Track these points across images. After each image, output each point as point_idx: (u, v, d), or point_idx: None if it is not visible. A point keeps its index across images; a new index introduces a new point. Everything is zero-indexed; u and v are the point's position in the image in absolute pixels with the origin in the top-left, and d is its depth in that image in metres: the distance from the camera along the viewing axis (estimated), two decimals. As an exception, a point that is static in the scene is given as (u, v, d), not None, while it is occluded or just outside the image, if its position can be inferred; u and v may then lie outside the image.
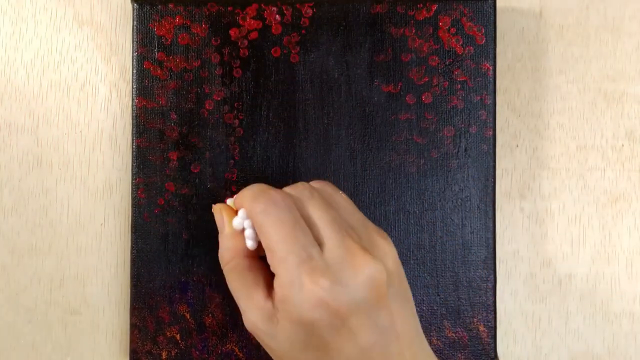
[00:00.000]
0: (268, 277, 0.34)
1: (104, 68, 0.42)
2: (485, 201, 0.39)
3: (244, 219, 0.34)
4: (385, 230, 0.39)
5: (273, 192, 0.33)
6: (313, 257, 0.31)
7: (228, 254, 0.34)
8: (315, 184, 0.36)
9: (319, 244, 0.32)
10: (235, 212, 0.34)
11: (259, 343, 0.38)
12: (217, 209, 0.36)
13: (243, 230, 0.34)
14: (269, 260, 0.32)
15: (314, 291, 0.30)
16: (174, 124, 0.39)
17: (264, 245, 0.32)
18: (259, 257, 0.34)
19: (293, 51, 0.39)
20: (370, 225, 0.34)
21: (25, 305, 0.41)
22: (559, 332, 0.41)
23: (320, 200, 0.34)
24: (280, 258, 0.32)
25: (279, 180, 0.39)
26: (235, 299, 0.34)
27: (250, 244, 0.34)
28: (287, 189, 0.34)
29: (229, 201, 0.36)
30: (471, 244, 0.39)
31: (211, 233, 0.39)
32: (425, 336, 0.39)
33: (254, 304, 0.33)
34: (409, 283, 0.39)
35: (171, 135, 0.39)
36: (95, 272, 0.41)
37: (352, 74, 0.39)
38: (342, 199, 0.35)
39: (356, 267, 0.31)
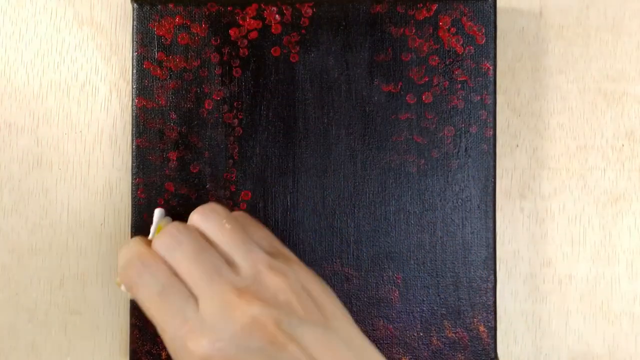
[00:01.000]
0: None
1: (104, 68, 0.42)
2: (485, 201, 0.39)
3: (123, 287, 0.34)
4: (385, 230, 0.39)
5: (134, 262, 0.32)
6: (189, 319, 0.31)
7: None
8: (198, 213, 0.34)
9: (194, 297, 0.32)
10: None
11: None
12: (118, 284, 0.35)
13: None
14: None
15: (196, 354, 0.30)
16: (174, 124, 0.39)
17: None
18: None
19: (293, 51, 0.39)
20: (258, 254, 0.33)
21: (25, 305, 0.41)
22: (559, 332, 0.41)
23: (187, 250, 0.32)
24: (159, 328, 0.32)
25: (278, 180, 0.39)
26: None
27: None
28: (156, 238, 0.33)
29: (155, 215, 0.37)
30: (471, 244, 0.39)
31: (211, 233, 0.39)
32: (425, 336, 0.39)
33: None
34: (409, 283, 0.39)
35: (171, 135, 0.39)
36: (95, 272, 0.41)
37: (352, 74, 0.39)
38: (225, 232, 0.33)
39: (234, 315, 0.30)
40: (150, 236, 0.36)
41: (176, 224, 0.34)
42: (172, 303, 0.31)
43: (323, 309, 0.32)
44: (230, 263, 0.33)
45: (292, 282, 0.32)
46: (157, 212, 0.37)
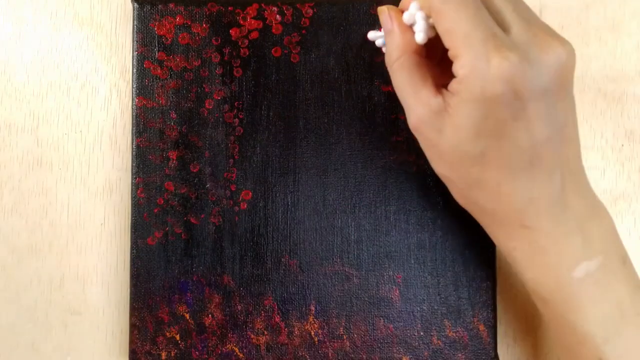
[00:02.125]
0: (436, 76, 0.33)
1: (104, 68, 0.42)
2: (485, 201, 0.39)
3: (416, 10, 0.33)
4: (386, 230, 0.39)
5: None
6: (499, 36, 0.30)
7: (397, 51, 0.33)
8: None
9: (503, 29, 0.31)
10: (401, 11, 0.34)
11: (259, 343, 0.38)
12: (382, 9, 0.34)
13: (412, 25, 0.33)
14: (449, 43, 0.31)
15: (502, 64, 0.29)
16: (174, 124, 0.39)
17: (442, 29, 0.31)
18: (426, 57, 0.34)
19: (293, 51, 0.39)
20: (539, 21, 0.33)
21: (25, 305, 0.41)
22: (560, 332, 0.41)
23: None
24: (464, 35, 0.30)
25: (279, 180, 0.39)
26: (401, 96, 0.34)
27: (420, 36, 0.32)
28: None
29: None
30: (471, 243, 0.39)
31: (211, 233, 0.39)
32: (426, 335, 0.39)
33: (421, 100, 0.32)
34: (410, 283, 0.39)
35: (171, 135, 0.39)
36: (95, 272, 0.41)
37: (353, 74, 0.39)
38: None
39: (545, 48, 0.30)
40: (405, 17, 0.33)
41: None
42: (487, 19, 0.30)
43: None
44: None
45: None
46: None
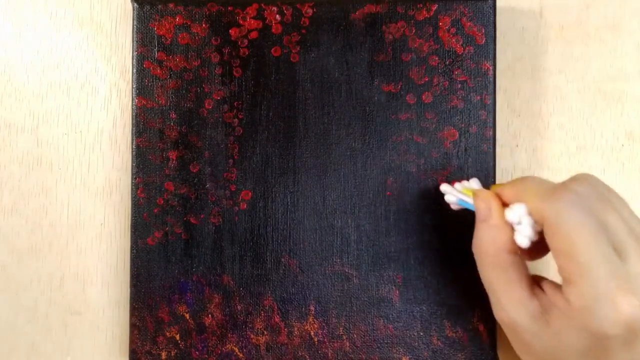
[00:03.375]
0: (529, 276, 0.33)
1: (104, 68, 0.42)
2: (485, 201, 0.39)
3: (523, 215, 0.32)
4: (386, 229, 0.39)
5: (568, 193, 0.31)
6: (619, 270, 0.29)
7: (492, 246, 0.33)
8: (592, 181, 0.32)
9: (619, 252, 0.30)
10: (504, 203, 0.33)
11: (259, 343, 0.38)
12: (483, 196, 0.34)
13: (513, 223, 0.32)
14: (564, 264, 0.30)
15: (626, 310, 0.28)
16: (174, 124, 0.39)
17: (556, 249, 0.30)
18: (519, 255, 0.33)
19: (293, 51, 0.39)
20: None
21: (25, 305, 0.41)
22: (560, 332, 0.41)
23: (617, 204, 0.31)
24: (584, 265, 0.29)
25: (278, 180, 0.39)
26: (492, 293, 0.33)
27: (524, 241, 0.32)
28: (572, 185, 0.31)
29: (470, 184, 0.36)
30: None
31: (211, 233, 0.39)
32: (426, 336, 0.39)
33: (516, 301, 0.32)
34: (409, 283, 0.39)
35: (171, 135, 0.39)
36: (95, 272, 0.41)
37: (352, 74, 0.39)
38: (619, 200, 0.32)
39: None
40: (510, 216, 0.33)
41: (585, 177, 0.32)
42: (606, 247, 0.29)
43: None
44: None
45: None
46: (475, 182, 0.36)
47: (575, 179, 0.32)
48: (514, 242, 0.33)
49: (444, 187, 0.37)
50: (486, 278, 0.34)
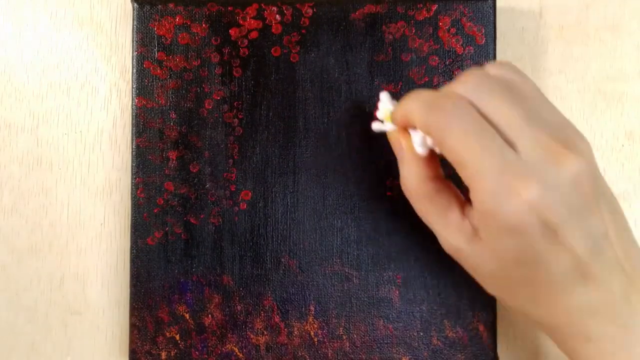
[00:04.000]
0: (459, 197, 0.32)
1: (104, 68, 0.42)
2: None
3: (423, 141, 0.32)
4: (386, 229, 0.39)
5: (444, 100, 0.30)
6: (511, 162, 0.29)
7: (414, 181, 0.33)
8: (492, 68, 0.32)
9: (509, 144, 0.29)
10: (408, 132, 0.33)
11: (258, 343, 0.38)
12: (392, 138, 0.34)
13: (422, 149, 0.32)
14: (461, 174, 0.30)
15: (524, 197, 0.28)
16: (174, 124, 0.39)
17: (450, 161, 0.30)
18: (444, 178, 0.33)
19: (293, 51, 0.39)
20: (562, 118, 0.31)
21: (25, 305, 0.41)
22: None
23: (502, 94, 0.30)
24: (475, 170, 0.29)
25: (278, 180, 0.39)
26: (427, 222, 0.33)
27: (420, 149, 0.32)
28: (457, 84, 0.31)
29: (383, 99, 0.35)
30: None
31: (210, 233, 0.39)
32: (425, 336, 0.39)
33: (449, 227, 0.32)
34: (409, 283, 0.39)
35: (170, 135, 0.39)
36: (95, 272, 0.41)
37: (352, 74, 0.39)
38: (528, 88, 0.31)
39: (559, 166, 0.29)
40: (417, 149, 0.33)
41: (474, 70, 0.31)
42: (492, 144, 0.29)
43: (606, 186, 0.31)
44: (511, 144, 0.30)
45: (592, 150, 0.30)
46: (385, 96, 0.36)
47: (457, 79, 0.31)
48: (431, 169, 0.33)
49: (375, 127, 0.36)
50: (420, 213, 0.33)
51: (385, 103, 0.36)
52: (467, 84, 0.31)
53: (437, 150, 0.32)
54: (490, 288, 0.33)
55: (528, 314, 0.32)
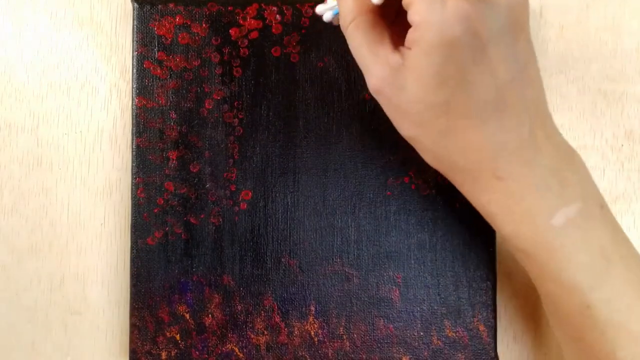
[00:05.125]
0: (393, 33, 0.33)
1: (104, 68, 0.42)
2: (485, 201, 0.39)
3: None
4: (386, 229, 0.39)
5: None
6: None
7: (351, 13, 0.33)
8: None
9: None
10: None
11: (259, 343, 0.38)
12: None
13: None
14: None
15: (458, 5, 0.29)
16: (174, 123, 0.39)
17: None
18: (381, 16, 0.33)
19: (293, 51, 0.39)
20: None
21: (25, 305, 0.41)
22: (560, 332, 0.41)
23: None
24: None
25: (278, 180, 0.39)
26: (359, 59, 0.33)
27: None
28: None
29: None
30: (471, 243, 0.39)
31: (211, 233, 0.39)
32: (426, 335, 0.39)
33: (379, 59, 0.32)
34: (410, 282, 0.39)
35: (171, 135, 0.39)
36: (95, 272, 0.41)
37: (353, 74, 0.39)
38: None
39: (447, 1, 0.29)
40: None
41: None
42: None
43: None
44: None
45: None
46: None
47: None
48: (368, 2, 0.32)
49: (319, 9, 0.36)
50: (352, 48, 0.33)
51: None
52: None
53: None
54: (408, 126, 0.33)
55: (441, 153, 0.33)
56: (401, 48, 0.32)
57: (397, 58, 0.31)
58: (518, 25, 0.31)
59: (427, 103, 0.31)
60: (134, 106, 0.39)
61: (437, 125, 0.32)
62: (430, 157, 0.34)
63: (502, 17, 0.30)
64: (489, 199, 0.33)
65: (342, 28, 0.34)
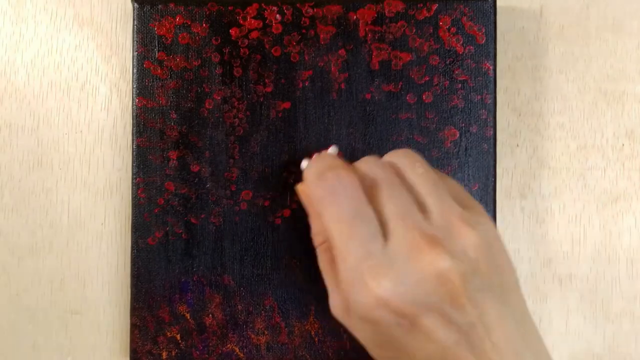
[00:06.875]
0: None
1: (104, 68, 0.42)
2: (485, 201, 0.39)
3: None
4: (386, 229, 0.39)
5: (332, 176, 0.31)
6: (373, 253, 0.29)
7: (318, 237, 0.33)
8: (391, 156, 0.33)
9: (385, 232, 0.30)
10: None
11: (259, 343, 0.38)
12: (299, 191, 0.35)
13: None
14: (332, 251, 0.31)
15: (374, 292, 0.28)
16: (174, 124, 0.39)
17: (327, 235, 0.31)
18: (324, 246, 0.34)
19: (293, 50, 0.39)
20: (451, 204, 0.31)
21: (25, 305, 0.41)
22: (560, 332, 0.41)
23: (390, 184, 0.31)
24: (340, 253, 0.30)
25: (279, 180, 0.39)
26: (324, 277, 0.34)
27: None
28: (357, 164, 0.32)
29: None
30: None
31: (211, 233, 0.39)
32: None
33: (336, 291, 0.32)
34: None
35: (171, 135, 0.39)
36: (96, 272, 0.41)
37: (352, 74, 0.39)
38: (418, 176, 0.32)
39: (421, 263, 0.29)
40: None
41: (373, 156, 0.33)
42: (361, 231, 0.29)
43: (503, 276, 0.30)
44: (421, 206, 0.31)
45: (482, 240, 0.30)
46: (333, 149, 0.37)
47: (365, 160, 0.33)
48: (317, 234, 0.33)
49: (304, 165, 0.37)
50: (320, 265, 0.34)
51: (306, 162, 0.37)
52: (363, 164, 0.32)
53: None
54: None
55: None
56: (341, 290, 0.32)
57: (343, 300, 0.31)
58: (451, 296, 0.29)
59: (375, 353, 0.31)
60: (134, 106, 0.39)
61: None
62: None
63: (426, 294, 0.28)
64: None
65: (313, 242, 0.34)
